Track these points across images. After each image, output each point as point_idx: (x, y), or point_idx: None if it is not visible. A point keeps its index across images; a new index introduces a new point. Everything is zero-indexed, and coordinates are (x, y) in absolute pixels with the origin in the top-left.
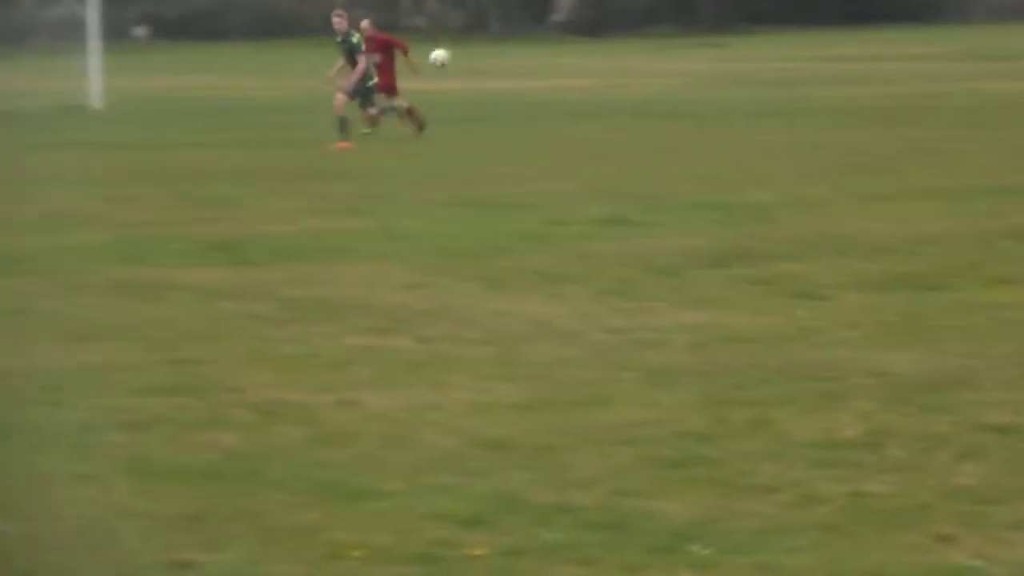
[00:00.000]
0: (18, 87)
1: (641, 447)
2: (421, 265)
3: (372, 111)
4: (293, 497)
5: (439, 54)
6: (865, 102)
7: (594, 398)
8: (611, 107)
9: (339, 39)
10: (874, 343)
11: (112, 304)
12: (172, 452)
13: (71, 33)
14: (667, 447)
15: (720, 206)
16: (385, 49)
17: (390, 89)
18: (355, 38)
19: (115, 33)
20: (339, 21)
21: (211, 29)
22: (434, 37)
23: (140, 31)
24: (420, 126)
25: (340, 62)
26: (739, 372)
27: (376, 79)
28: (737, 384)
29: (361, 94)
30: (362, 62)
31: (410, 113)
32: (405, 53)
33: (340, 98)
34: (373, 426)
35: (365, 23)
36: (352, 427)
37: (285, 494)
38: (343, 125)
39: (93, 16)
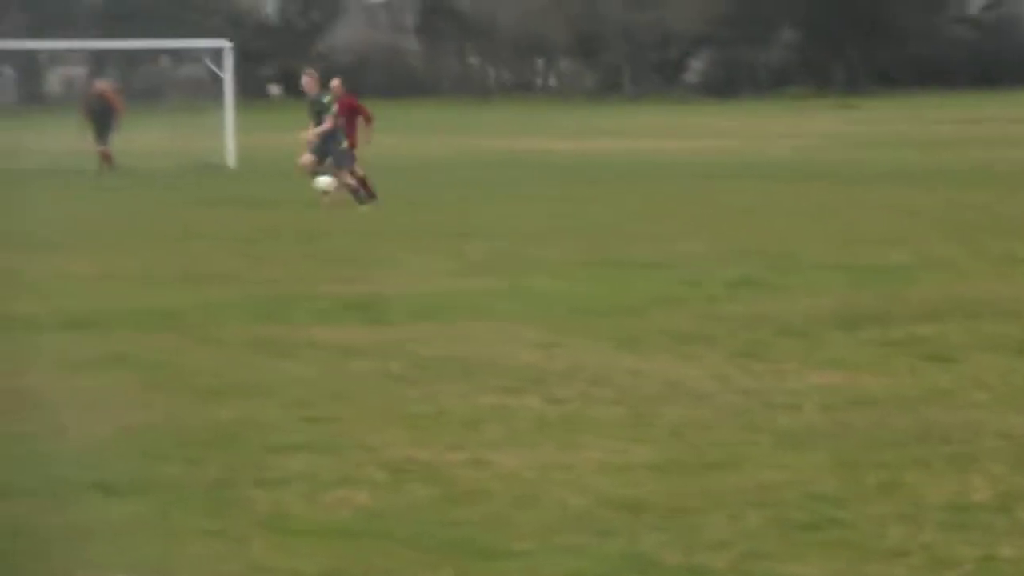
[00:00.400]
0: (155, 145)
1: (773, 509)
2: (553, 324)
3: (345, 176)
4: (424, 555)
5: (323, 181)
6: (997, 165)
7: (726, 460)
8: (743, 168)
9: (310, 99)
10: (1006, 406)
11: (247, 361)
12: (306, 509)
13: (206, 91)
14: (799, 509)
15: (851, 267)
16: (350, 113)
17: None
18: (327, 99)
19: (250, 91)
20: (309, 81)
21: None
22: (567, 98)
23: (275, 89)
24: (360, 198)
25: (311, 124)
26: (870, 434)
27: (346, 141)
28: (868, 446)
29: (331, 154)
30: (330, 122)
31: (358, 184)
32: (368, 122)
33: (308, 158)
34: (503, 485)
35: (335, 82)
36: (483, 486)
37: (416, 552)
38: (355, 187)
39: (228, 76)
